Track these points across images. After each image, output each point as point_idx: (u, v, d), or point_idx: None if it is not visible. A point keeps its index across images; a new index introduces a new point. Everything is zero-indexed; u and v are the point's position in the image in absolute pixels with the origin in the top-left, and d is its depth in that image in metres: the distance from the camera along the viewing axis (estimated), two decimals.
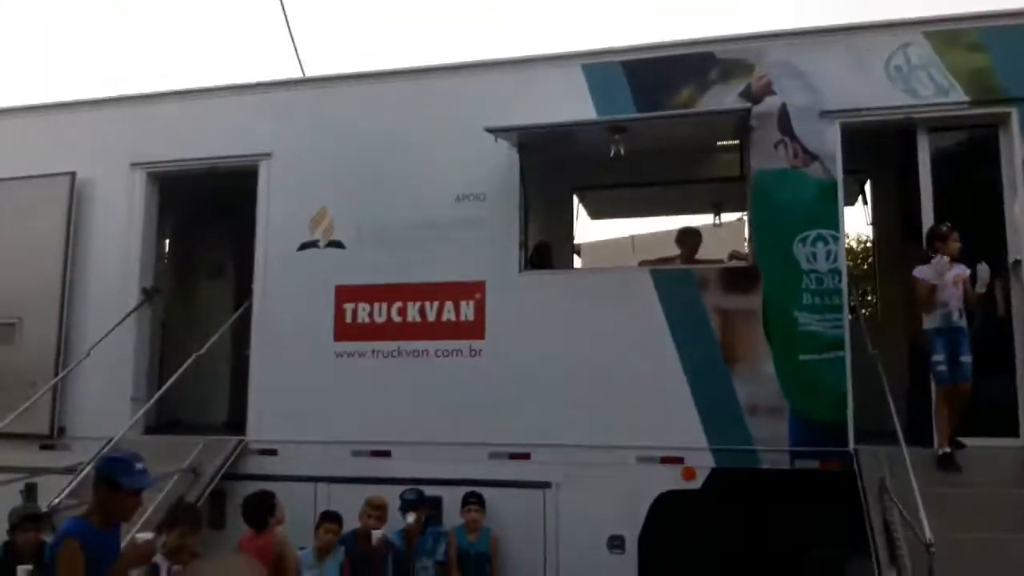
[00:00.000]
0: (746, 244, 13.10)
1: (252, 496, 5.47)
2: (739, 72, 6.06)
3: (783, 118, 5.94)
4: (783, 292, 5.76)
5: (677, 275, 6.16)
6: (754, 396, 5.70)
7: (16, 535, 5.14)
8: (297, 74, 8.64)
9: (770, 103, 5.97)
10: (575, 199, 8.75)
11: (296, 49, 9.13)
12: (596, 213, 9.59)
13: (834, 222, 5.76)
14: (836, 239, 5.75)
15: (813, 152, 5.86)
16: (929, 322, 5.30)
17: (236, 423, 7.26)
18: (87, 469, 5.78)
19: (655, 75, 6.19)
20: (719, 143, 7.40)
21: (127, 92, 7.52)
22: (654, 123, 6.01)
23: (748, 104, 5.88)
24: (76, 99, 7.59)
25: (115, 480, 3.53)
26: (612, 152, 5.80)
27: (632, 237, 16.20)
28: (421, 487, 5.92)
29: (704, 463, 5.72)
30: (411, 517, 5.66)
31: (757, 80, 6.02)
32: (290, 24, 9.22)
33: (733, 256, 6.69)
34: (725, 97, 6.05)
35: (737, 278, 5.96)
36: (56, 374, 6.93)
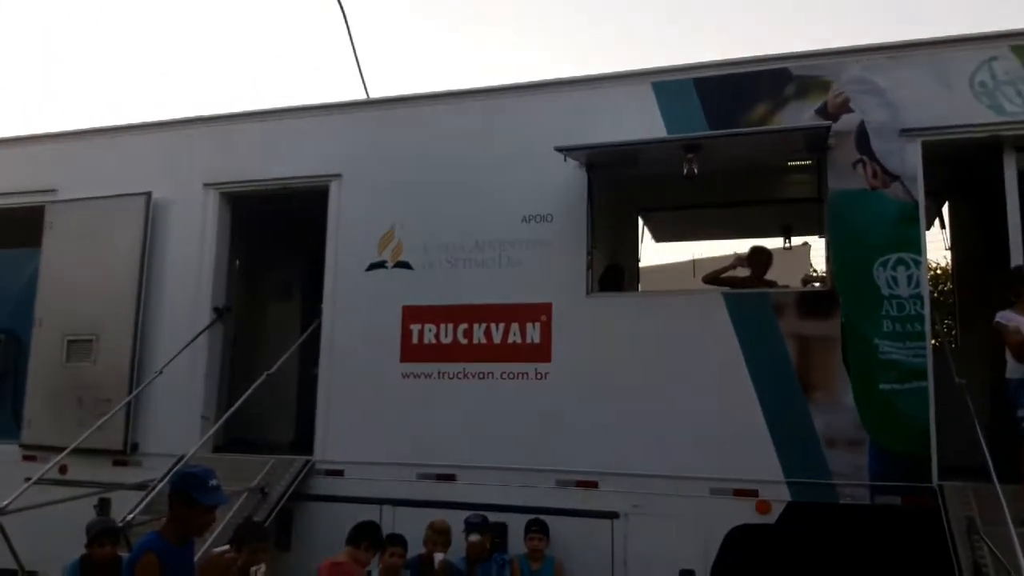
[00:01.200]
0: (811, 267, 12.76)
1: (366, 521, 5.54)
2: (815, 89, 5.88)
3: (861, 137, 5.72)
4: (863, 318, 5.53)
5: (752, 299, 5.97)
6: (832, 427, 5.46)
7: (93, 549, 5.22)
8: (361, 94, 8.70)
9: (848, 121, 5.76)
10: (640, 221, 8.65)
11: (361, 71, 9.24)
12: (661, 235, 9.46)
13: (916, 245, 5.53)
14: (918, 263, 5.51)
15: (893, 172, 5.63)
16: (1014, 371, 4.97)
17: (301, 442, 7.32)
18: (160, 485, 5.87)
19: (727, 92, 6.04)
20: (791, 163, 7.24)
21: (202, 113, 7.64)
22: (729, 141, 5.85)
23: (828, 122, 5.68)
24: (151, 120, 7.78)
25: (191, 496, 3.56)
26: (685, 171, 5.66)
27: (693, 261, 15.96)
28: (485, 513, 5.85)
29: (779, 496, 5.51)
30: (474, 536, 5.59)
31: (834, 97, 5.82)
32: (355, 47, 9.30)
33: (805, 281, 6.48)
34: (800, 115, 5.86)
35: (814, 303, 5.75)
36: (130, 391, 7.05)
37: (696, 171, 5.63)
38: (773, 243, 9.02)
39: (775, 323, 5.69)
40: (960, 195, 7.18)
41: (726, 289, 6.40)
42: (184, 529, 3.61)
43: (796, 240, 9.66)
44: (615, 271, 7.15)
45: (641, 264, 8.84)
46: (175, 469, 5.97)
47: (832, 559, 5.48)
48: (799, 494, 5.48)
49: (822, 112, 5.83)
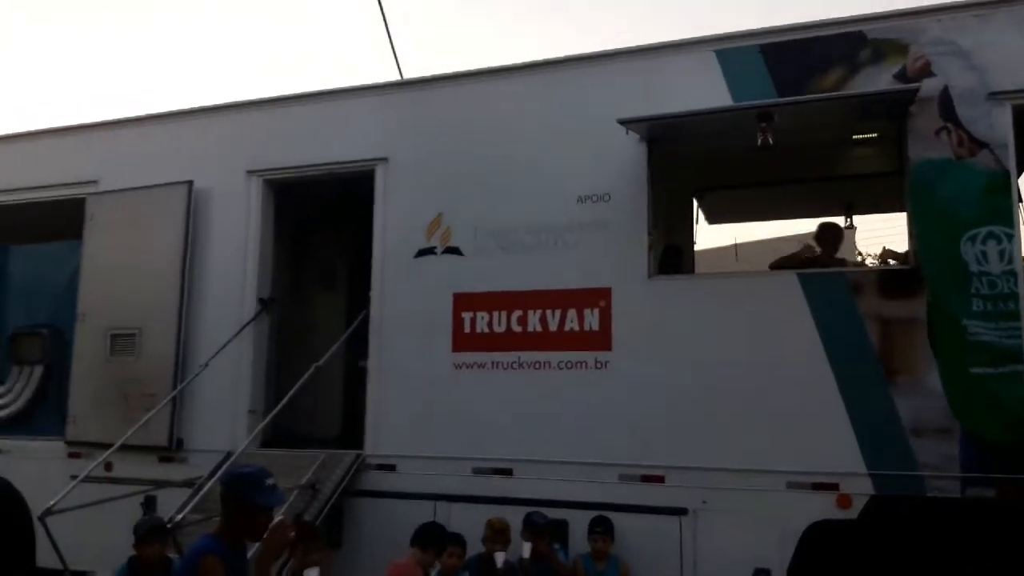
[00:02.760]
0: (856, 250, 12.19)
1: (433, 523, 5.36)
2: (893, 53, 5.46)
3: (945, 102, 5.29)
4: (950, 297, 5.12)
5: (828, 279, 5.57)
6: (919, 415, 5.07)
7: (142, 548, 5.05)
8: (394, 76, 8.40)
9: (929, 86, 5.32)
10: (694, 202, 8.31)
11: (395, 51, 8.93)
12: (714, 217, 9.10)
13: (1008, 218, 5.09)
14: (1010, 237, 5.07)
15: (981, 139, 5.19)
16: None
17: (349, 436, 7.13)
18: (211, 483, 5.69)
19: (797, 59, 5.64)
20: (856, 136, 6.87)
21: (242, 98, 7.43)
22: (807, 108, 5.44)
23: (916, 84, 5.26)
24: (192, 107, 7.59)
25: (245, 497, 3.30)
26: (760, 141, 5.29)
27: (735, 245, 15.45)
28: (544, 509, 5.58)
29: (862, 490, 5.13)
30: (527, 549, 5.28)
31: (913, 61, 5.40)
32: (388, 26, 8.97)
33: (887, 255, 6.09)
34: (877, 81, 5.44)
35: (897, 282, 5.34)
36: (175, 385, 6.89)
37: (771, 141, 5.26)
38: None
39: (854, 304, 5.31)
40: None
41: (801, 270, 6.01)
42: (240, 532, 3.36)
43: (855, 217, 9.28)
44: (674, 253, 6.84)
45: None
46: (225, 467, 5.80)
47: (920, 556, 5.12)
48: (883, 487, 5.11)
49: (901, 77, 5.41)
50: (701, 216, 8.65)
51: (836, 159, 7.52)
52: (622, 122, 5.51)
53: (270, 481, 3.34)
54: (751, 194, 8.32)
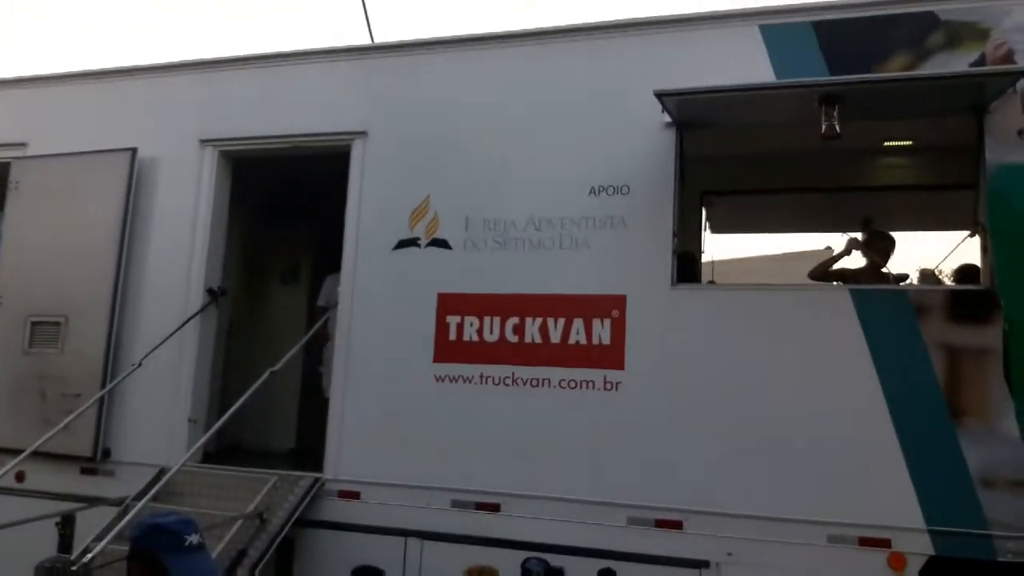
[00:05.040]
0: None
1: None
2: (969, 38, 4.74)
3: None
4: None
5: (887, 297, 4.82)
6: (990, 463, 4.32)
7: None
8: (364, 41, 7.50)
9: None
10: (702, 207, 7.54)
11: (366, 10, 7.97)
12: (719, 226, 8.36)
13: None
14: None
15: None
16: None
17: (304, 452, 6.34)
18: (140, 505, 4.79)
19: (857, 40, 4.90)
20: (887, 143, 6.20)
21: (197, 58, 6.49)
22: (891, 88, 4.66)
23: None
24: (139, 65, 6.63)
25: (156, 559, 2.34)
26: (824, 128, 4.49)
27: (712, 262, 14.80)
28: (537, 554, 4.75)
29: (919, 549, 4.37)
30: None
31: (994, 48, 4.68)
32: None
33: (962, 271, 5.38)
34: (949, 69, 4.72)
35: (968, 305, 4.59)
36: (103, 385, 5.94)
37: (838, 130, 4.45)
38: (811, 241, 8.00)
39: (916, 329, 4.54)
40: None
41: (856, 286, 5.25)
42: None
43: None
44: (689, 261, 6.02)
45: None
46: (139, 506, 4.85)
47: None
48: (945, 547, 4.35)
49: (978, 66, 4.69)
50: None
51: (862, 168, 6.84)
52: (660, 95, 4.67)
53: (194, 538, 2.38)
54: (761, 202, 7.64)
